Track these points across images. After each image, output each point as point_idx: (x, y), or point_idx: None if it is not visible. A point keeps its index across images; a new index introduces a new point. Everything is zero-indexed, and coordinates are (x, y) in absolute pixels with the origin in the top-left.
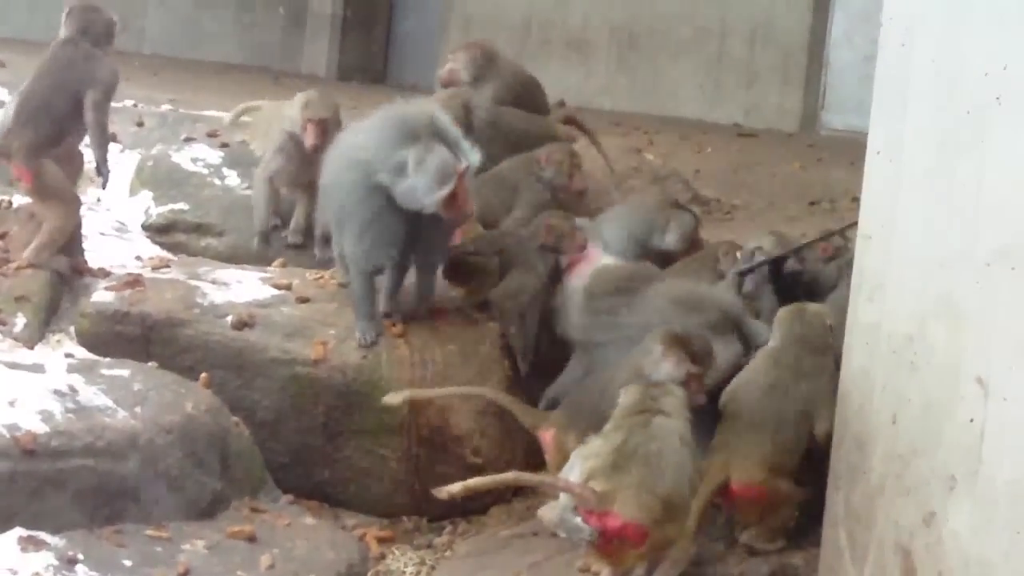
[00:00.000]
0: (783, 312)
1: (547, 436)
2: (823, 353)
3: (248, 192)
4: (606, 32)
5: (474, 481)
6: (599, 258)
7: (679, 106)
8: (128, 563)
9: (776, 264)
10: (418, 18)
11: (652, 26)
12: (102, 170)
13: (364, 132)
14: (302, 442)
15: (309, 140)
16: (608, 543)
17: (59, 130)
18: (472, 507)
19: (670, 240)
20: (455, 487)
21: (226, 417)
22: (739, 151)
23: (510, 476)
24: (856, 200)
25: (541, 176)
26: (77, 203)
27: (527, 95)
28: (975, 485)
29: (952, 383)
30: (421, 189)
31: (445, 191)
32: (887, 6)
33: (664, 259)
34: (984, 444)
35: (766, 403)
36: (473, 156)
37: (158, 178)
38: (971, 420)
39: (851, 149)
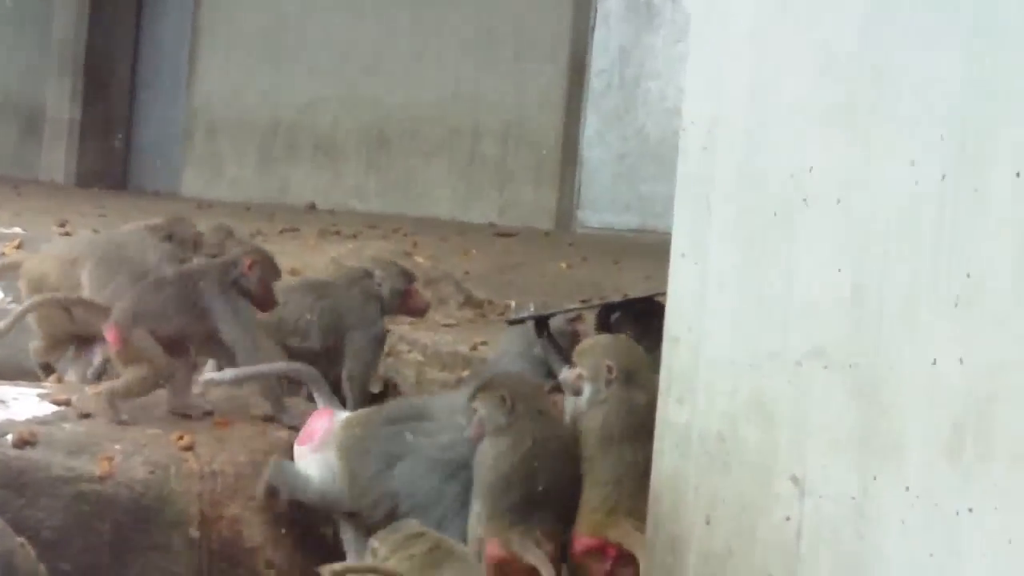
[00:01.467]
0: None
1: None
2: None
3: (12, 306)
4: (355, 134)
5: (343, 566)
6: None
7: (432, 206)
8: None
9: (542, 321)
10: (159, 123)
11: (403, 128)
12: None
13: None
14: (89, 561)
15: None
16: None
17: None
18: None
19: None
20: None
21: (11, 538)
22: (503, 251)
23: (368, 566)
24: (626, 296)
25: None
26: None
27: None
28: None
29: (766, 482)
30: None
31: None
32: (687, 110)
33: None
34: (801, 541)
35: None
36: None
37: None
38: (787, 518)
39: (610, 246)
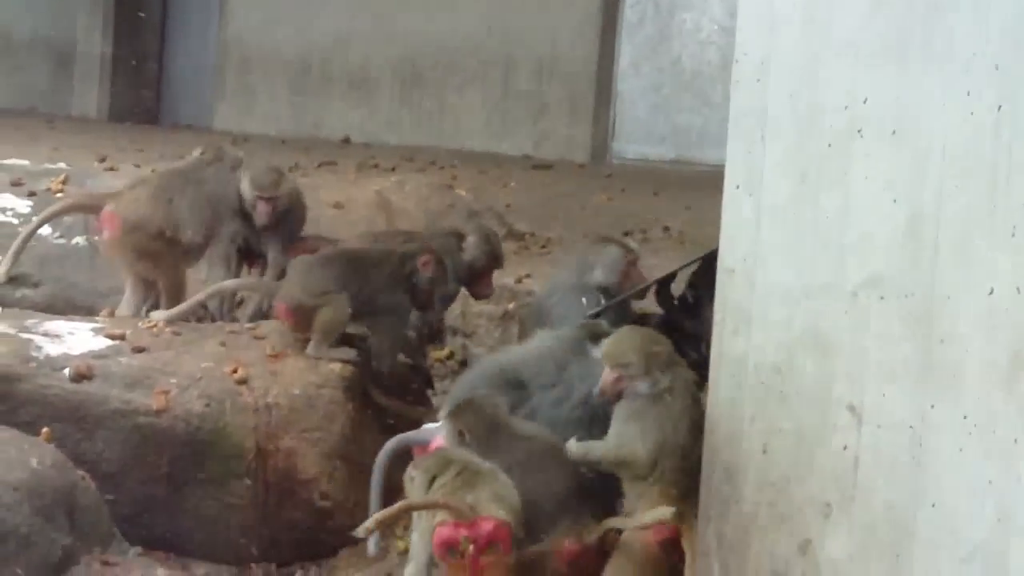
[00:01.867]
0: None
1: None
2: None
3: (61, 241)
4: (388, 68)
5: (382, 514)
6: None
7: (466, 139)
8: None
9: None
10: (191, 58)
11: (436, 61)
12: None
13: None
14: (147, 493)
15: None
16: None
17: None
18: (321, 551)
19: (599, 277)
20: (369, 523)
21: (72, 471)
22: (541, 184)
23: (403, 504)
24: (667, 229)
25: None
26: None
27: None
28: (851, 511)
29: (823, 412)
30: None
31: None
32: (740, 42)
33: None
34: (859, 471)
35: None
36: None
37: None
38: (844, 447)
39: (647, 178)
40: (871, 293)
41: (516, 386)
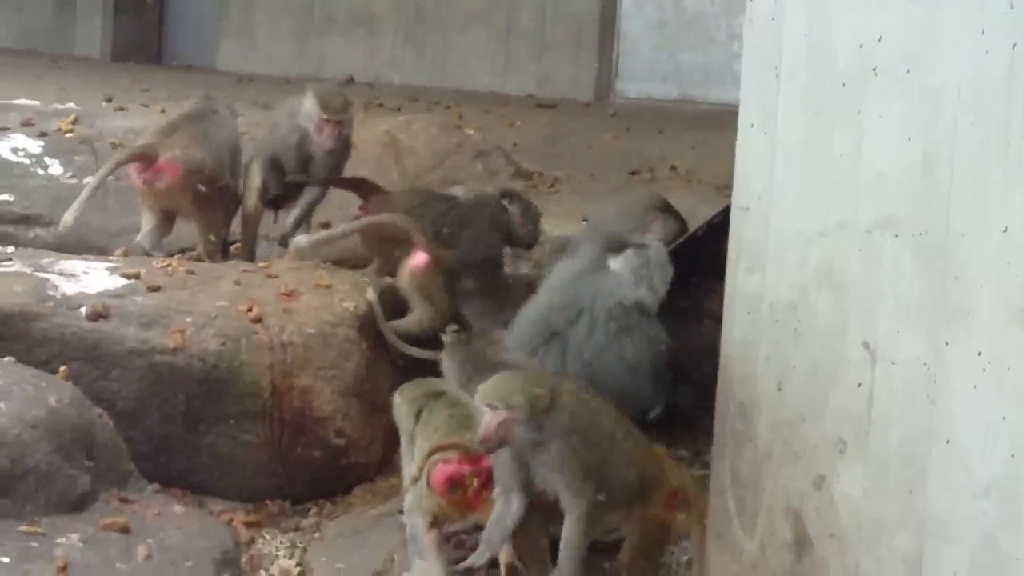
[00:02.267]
0: None
1: None
2: None
3: (72, 181)
4: (392, 6)
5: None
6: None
7: (469, 78)
8: (6, 560)
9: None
10: None
11: (439, 0)
12: None
13: None
14: (164, 431)
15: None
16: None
17: None
18: (336, 488)
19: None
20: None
21: (89, 409)
22: (547, 123)
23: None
24: (674, 168)
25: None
26: None
27: None
28: (865, 448)
29: (838, 349)
30: None
31: None
32: None
33: None
34: (873, 407)
35: None
36: None
37: None
38: (859, 384)
39: (651, 117)
40: (885, 231)
41: (553, 335)
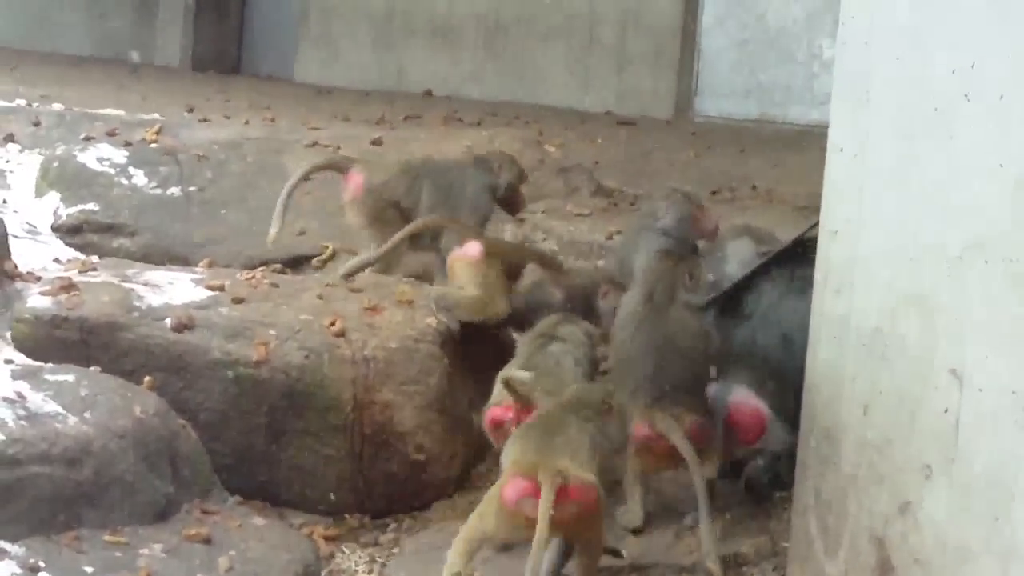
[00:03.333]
0: None
1: None
2: None
3: (156, 191)
4: (472, 19)
5: None
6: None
7: (548, 93)
8: (89, 569)
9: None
10: (273, 6)
11: (520, 13)
12: None
13: None
14: (246, 443)
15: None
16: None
17: None
18: (415, 503)
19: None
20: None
21: (174, 420)
22: (628, 140)
23: None
24: (755, 188)
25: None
26: None
27: None
28: (951, 473)
29: (925, 374)
30: None
31: None
32: (846, 4)
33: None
34: (960, 433)
35: None
36: None
37: (65, 178)
38: (946, 410)
39: (732, 135)
40: (975, 256)
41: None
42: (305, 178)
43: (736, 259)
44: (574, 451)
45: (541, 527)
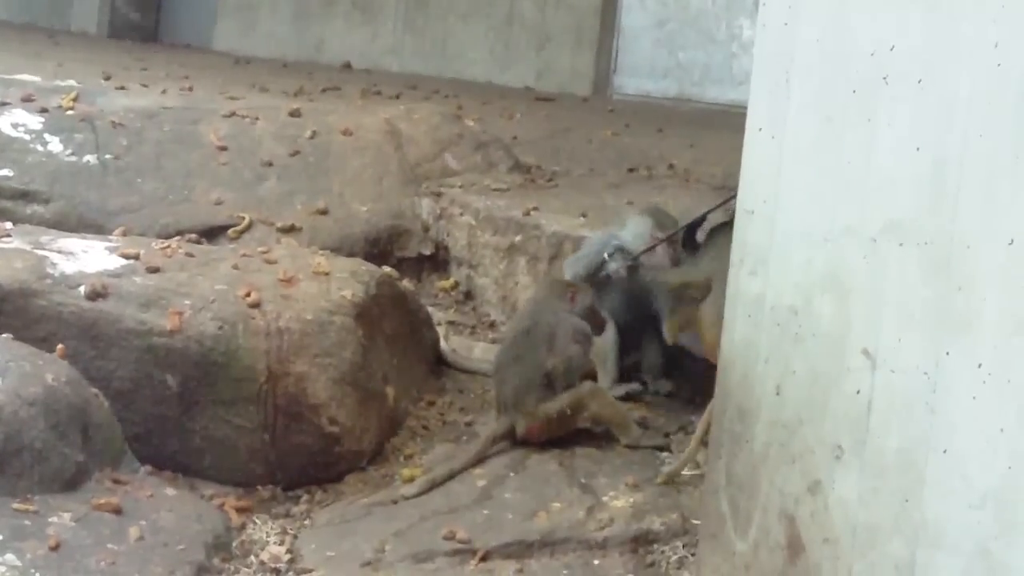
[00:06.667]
0: None
1: None
2: None
3: (72, 158)
4: None
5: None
6: None
7: (468, 68)
8: None
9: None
10: None
11: None
12: None
13: None
14: (157, 413)
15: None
16: None
17: None
18: (327, 475)
19: (625, 238)
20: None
21: (85, 388)
22: (546, 116)
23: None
24: (672, 167)
25: None
26: None
27: None
28: (862, 454)
29: (838, 355)
30: None
31: None
32: None
33: None
34: (872, 415)
35: None
36: None
37: None
38: (858, 392)
39: (650, 114)
40: (891, 239)
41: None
42: None
43: (632, 232)
44: None
45: None
